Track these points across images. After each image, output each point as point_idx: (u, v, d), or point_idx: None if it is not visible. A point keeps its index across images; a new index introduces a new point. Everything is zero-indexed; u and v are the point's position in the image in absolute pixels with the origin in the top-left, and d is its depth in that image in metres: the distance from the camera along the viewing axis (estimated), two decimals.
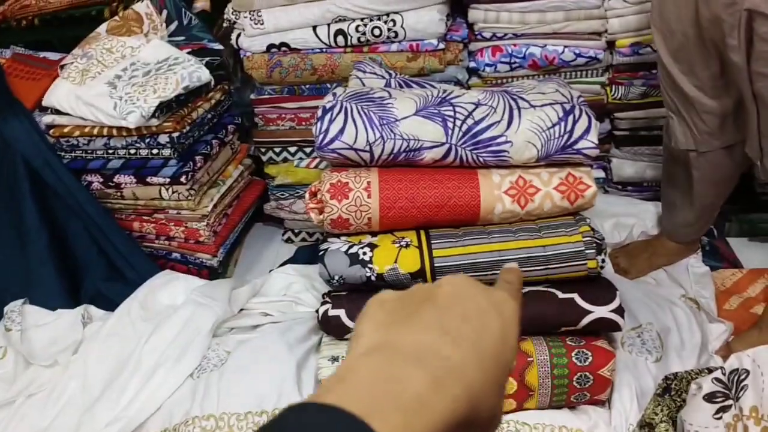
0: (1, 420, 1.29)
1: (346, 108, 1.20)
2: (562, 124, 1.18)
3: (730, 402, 1.08)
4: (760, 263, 1.63)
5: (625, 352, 1.32)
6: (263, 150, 1.76)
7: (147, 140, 1.52)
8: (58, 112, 1.57)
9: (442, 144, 1.18)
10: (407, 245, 1.19)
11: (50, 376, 1.38)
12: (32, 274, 1.57)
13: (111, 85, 1.51)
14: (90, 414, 1.27)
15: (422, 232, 1.22)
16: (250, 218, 1.92)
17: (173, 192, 1.55)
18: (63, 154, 1.59)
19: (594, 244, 1.16)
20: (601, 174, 1.81)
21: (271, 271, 1.68)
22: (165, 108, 1.49)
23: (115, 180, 1.57)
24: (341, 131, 1.18)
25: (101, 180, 1.58)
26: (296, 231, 1.88)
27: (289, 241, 1.89)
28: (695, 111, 1.34)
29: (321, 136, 1.19)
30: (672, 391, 1.19)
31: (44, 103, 1.57)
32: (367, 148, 1.18)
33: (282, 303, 1.55)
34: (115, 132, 1.52)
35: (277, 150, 1.74)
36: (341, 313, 1.19)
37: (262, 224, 1.98)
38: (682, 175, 1.48)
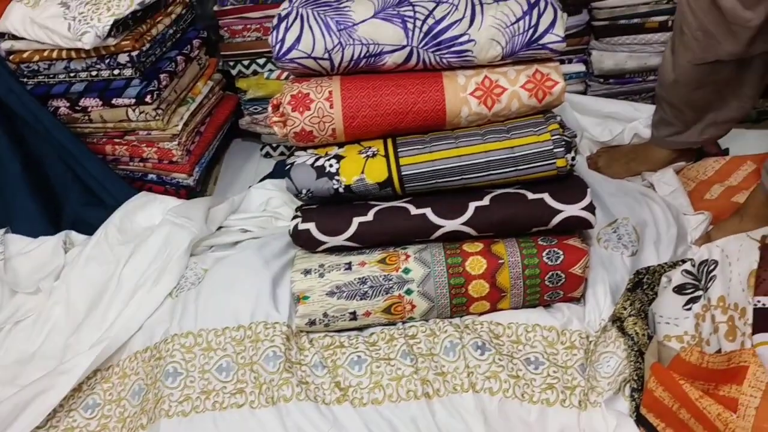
0: None
1: (301, 14, 1.15)
2: (527, 18, 1.12)
3: (700, 293, 1.08)
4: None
5: (600, 248, 1.32)
6: (232, 63, 1.71)
7: (107, 61, 1.47)
8: (15, 37, 1.51)
9: (403, 47, 1.13)
10: (374, 155, 1.17)
11: (35, 302, 1.40)
12: (10, 203, 1.57)
13: (64, 5, 1.45)
14: (75, 337, 1.30)
15: (389, 141, 1.19)
16: (227, 134, 1.89)
17: (140, 113, 1.52)
18: (25, 80, 1.55)
19: (563, 142, 1.14)
20: (582, 68, 1.75)
21: (250, 187, 1.67)
22: (121, 26, 1.44)
23: (81, 104, 1.54)
24: (298, 40, 1.14)
25: (67, 105, 1.55)
26: (274, 145, 1.85)
27: (267, 156, 1.87)
28: (724, 26, 1.22)
29: (277, 46, 1.15)
30: (644, 285, 1.19)
31: (0, 28, 1.52)
32: (326, 56, 1.14)
33: (261, 218, 1.54)
34: (74, 54, 1.47)
35: (246, 63, 1.69)
36: (311, 226, 1.19)
37: (241, 140, 1.95)
38: (686, 93, 1.41)
